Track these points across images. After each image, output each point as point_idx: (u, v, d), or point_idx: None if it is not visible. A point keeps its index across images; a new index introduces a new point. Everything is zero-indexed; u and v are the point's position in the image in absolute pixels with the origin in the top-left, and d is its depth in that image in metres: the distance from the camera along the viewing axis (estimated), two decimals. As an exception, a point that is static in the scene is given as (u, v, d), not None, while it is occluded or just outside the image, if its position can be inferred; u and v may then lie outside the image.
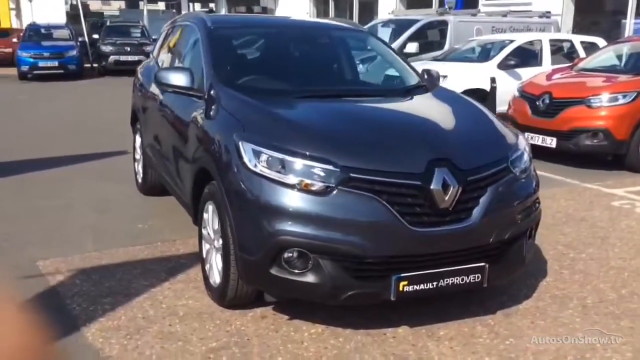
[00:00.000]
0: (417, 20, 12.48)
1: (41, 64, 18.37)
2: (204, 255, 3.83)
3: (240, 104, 3.75)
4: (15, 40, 21.23)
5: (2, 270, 4.19)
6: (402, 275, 3.17)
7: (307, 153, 3.18)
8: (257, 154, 3.22)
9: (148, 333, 3.40)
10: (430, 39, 12.56)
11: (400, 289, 3.17)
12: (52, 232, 5.11)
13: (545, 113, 8.12)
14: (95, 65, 21.03)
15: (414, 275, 3.20)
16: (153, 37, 21.81)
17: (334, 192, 3.10)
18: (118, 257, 4.50)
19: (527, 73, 10.01)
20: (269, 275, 3.18)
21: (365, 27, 14.88)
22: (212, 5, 34.10)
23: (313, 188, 3.11)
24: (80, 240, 4.90)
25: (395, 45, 12.04)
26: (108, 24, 22.99)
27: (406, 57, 11.53)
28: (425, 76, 4.78)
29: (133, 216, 5.52)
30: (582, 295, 4.05)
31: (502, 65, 10.28)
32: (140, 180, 6.11)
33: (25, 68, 18.45)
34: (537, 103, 8.23)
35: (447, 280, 3.27)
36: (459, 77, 10.05)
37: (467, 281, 3.33)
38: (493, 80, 10.12)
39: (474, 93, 9.99)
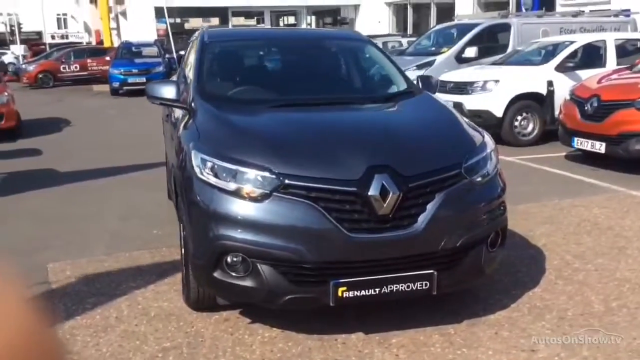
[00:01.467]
0: (477, 24, 12.20)
1: (130, 80, 19.58)
2: (182, 261, 4.02)
3: (207, 115, 3.92)
4: (108, 58, 22.77)
5: (11, 271, 4.59)
6: (341, 281, 3.20)
7: (247, 161, 3.30)
8: (204, 162, 3.38)
9: (114, 332, 3.63)
10: (493, 42, 12.23)
11: (339, 294, 3.20)
12: (73, 236, 5.52)
13: (594, 117, 7.75)
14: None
15: (354, 282, 3.22)
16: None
17: (270, 198, 3.19)
18: (120, 260, 4.80)
19: (589, 75, 9.53)
20: (213, 278, 3.31)
21: (429, 32, 14.79)
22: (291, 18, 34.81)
23: (251, 195, 3.22)
24: (95, 244, 5.26)
25: (453, 50, 11.86)
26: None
27: (465, 62, 11.40)
28: (420, 83, 4.76)
29: (153, 223, 5.83)
30: (564, 307, 3.88)
31: (561, 68, 9.84)
32: (168, 189, 6.45)
33: (116, 84, 19.74)
34: (586, 107, 7.86)
35: (390, 287, 3.26)
36: (512, 81, 9.76)
37: (414, 288, 3.30)
38: (550, 83, 9.74)
39: (528, 97, 9.68)
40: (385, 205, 3.21)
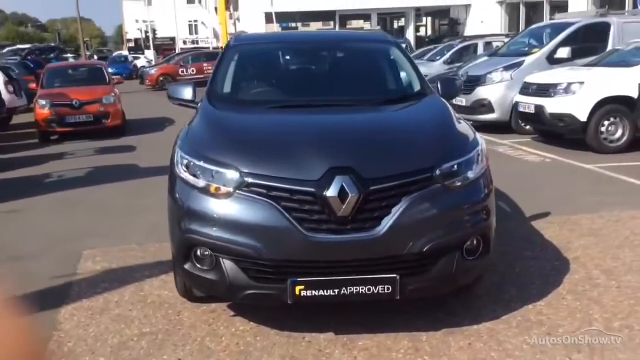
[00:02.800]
0: (572, 24, 11.53)
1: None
2: None
3: (202, 116, 4.10)
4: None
5: (51, 256, 5.06)
6: (299, 279, 3.24)
7: (216, 159, 3.43)
8: (182, 160, 3.56)
9: (108, 315, 3.91)
10: (591, 42, 11.48)
11: (297, 293, 3.24)
12: (120, 226, 5.95)
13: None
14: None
15: (311, 281, 3.25)
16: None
17: (233, 196, 3.31)
18: (147, 250, 5.12)
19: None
20: (184, 269, 3.48)
21: (524, 31, 14.14)
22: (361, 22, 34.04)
23: (217, 192, 3.35)
24: (134, 235, 5.64)
25: (545, 51, 11.30)
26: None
27: (557, 63, 10.82)
28: (439, 85, 4.67)
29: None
30: (558, 324, 3.66)
31: (658, 69, 9.08)
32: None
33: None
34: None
35: (350, 289, 3.26)
36: (598, 83, 9.14)
37: (375, 292, 3.27)
38: (642, 86, 9.01)
39: (617, 101, 9.04)
40: (344, 207, 3.21)
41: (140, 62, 39.54)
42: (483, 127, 11.57)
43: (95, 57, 48.79)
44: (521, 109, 10.18)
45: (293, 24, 38.25)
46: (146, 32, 52.52)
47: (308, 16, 34.13)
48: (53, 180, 8.75)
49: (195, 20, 62.68)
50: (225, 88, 4.60)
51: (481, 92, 11.44)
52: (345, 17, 32.56)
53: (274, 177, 3.29)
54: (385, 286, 3.27)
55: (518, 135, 10.93)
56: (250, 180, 3.30)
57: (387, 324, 3.65)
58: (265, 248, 3.24)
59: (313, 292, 3.26)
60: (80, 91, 13.38)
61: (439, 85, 4.70)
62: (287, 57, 5.16)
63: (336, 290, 3.26)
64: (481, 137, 3.91)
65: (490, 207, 3.64)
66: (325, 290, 3.26)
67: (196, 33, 62.76)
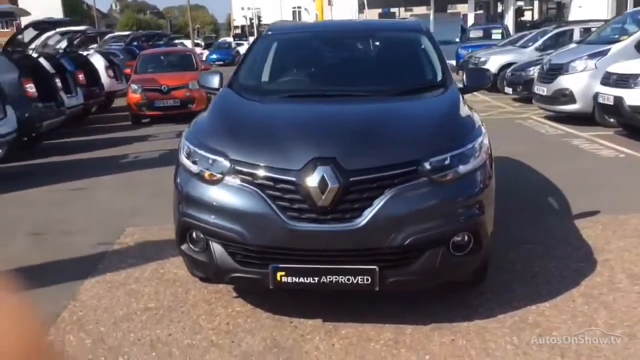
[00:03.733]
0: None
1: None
2: None
3: (214, 103, 4.27)
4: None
5: (97, 231, 5.47)
6: (280, 266, 3.35)
7: (210, 146, 3.59)
8: (185, 146, 3.75)
9: (124, 289, 4.21)
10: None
11: (278, 279, 3.35)
12: (166, 206, 6.28)
13: None
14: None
15: (292, 268, 3.35)
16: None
17: (223, 182, 3.46)
18: (182, 231, 5.39)
19: None
20: (182, 250, 3.69)
21: (617, 17, 13.23)
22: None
23: (209, 178, 3.52)
24: (176, 215, 5.94)
25: (633, 39, 10.58)
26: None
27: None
28: (466, 76, 4.58)
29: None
30: (555, 327, 3.54)
31: None
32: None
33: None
34: None
35: (330, 278, 3.32)
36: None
37: (355, 282, 3.32)
38: None
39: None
40: (324, 197, 3.27)
41: (243, 49, 40.75)
42: (566, 118, 11.07)
43: (202, 43, 50.81)
44: (600, 101, 9.63)
45: (394, 10, 37.90)
46: (251, 19, 53.91)
47: (406, 1, 33.65)
48: (128, 160, 9.34)
49: (299, 7, 63.52)
50: (246, 77, 4.74)
51: (563, 81, 10.91)
52: (443, 1, 31.81)
53: (259, 165, 3.40)
54: (365, 277, 3.31)
55: (602, 128, 10.34)
56: (237, 167, 3.43)
57: (379, 314, 3.69)
58: (250, 234, 3.37)
59: (294, 279, 3.35)
60: (169, 77, 14.05)
61: (464, 76, 4.60)
62: (314, 47, 5.22)
63: (316, 279, 3.34)
64: (484, 131, 3.80)
65: (485, 203, 3.56)
66: (305, 278, 3.35)
67: (300, 19, 63.63)
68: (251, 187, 3.38)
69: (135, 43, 24.27)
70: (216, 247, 3.48)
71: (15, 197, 7.14)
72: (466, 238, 3.48)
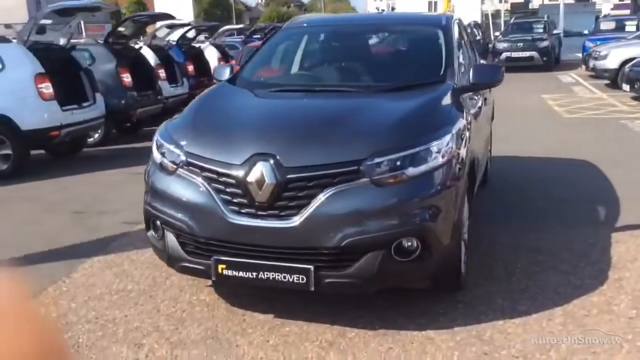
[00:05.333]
0: None
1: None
2: None
3: (202, 96, 4.37)
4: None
5: (127, 214, 5.81)
6: (221, 258, 3.39)
7: (172, 137, 3.70)
8: (156, 138, 3.90)
9: (115, 270, 4.46)
10: None
11: (220, 271, 3.40)
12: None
13: None
14: (493, 61, 21.75)
15: (232, 261, 3.38)
16: (555, 31, 21.24)
17: (176, 173, 3.56)
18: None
19: None
20: (147, 237, 3.85)
21: None
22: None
23: (166, 168, 3.63)
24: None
25: None
26: (512, 20, 23.30)
27: None
28: (472, 72, 4.31)
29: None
30: (509, 345, 3.27)
31: None
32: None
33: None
34: None
35: (267, 274, 3.31)
36: None
37: (290, 281, 3.29)
38: None
39: None
40: (261, 193, 3.27)
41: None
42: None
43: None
44: None
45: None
46: (383, 10, 53.68)
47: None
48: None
49: (435, -2, 62.31)
50: (249, 70, 4.79)
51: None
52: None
53: (207, 158, 3.46)
54: (300, 276, 3.27)
55: None
56: (189, 159, 3.52)
57: (336, 315, 3.61)
58: (196, 225, 3.45)
59: (233, 272, 3.39)
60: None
61: (470, 73, 4.34)
62: (324, 42, 5.16)
63: (254, 274, 3.35)
64: (452, 132, 3.56)
65: (440, 207, 3.36)
66: (244, 273, 3.36)
67: (435, 10, 62.43)
68: (199, 179, 3.45)
69: (256, 35, 25.12)
70: (169, 236, 3.59)
71: (84, 178, 7.77)
72: (414, 243, 3.31)
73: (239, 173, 3.32)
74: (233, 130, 3.62)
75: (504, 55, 20.07)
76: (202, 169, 3.45)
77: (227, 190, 3.37)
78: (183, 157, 3.55)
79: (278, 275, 3.30)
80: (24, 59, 7.98)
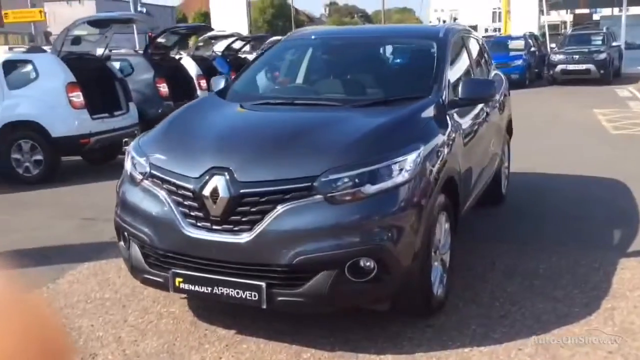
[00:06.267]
0: None
1: (487, 73, 19.70)
2: None
3: (184, 107, 4.38)
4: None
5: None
6: (178, 271, 3.37)
7: (142, 149, 3.71)
8: (129, 149, 3.93)
9: (100, 277, 4.52)
10: None
11: (177, 284, 3.38)
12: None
13: None
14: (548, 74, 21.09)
15: (188, 275, 3.35)
16: (614, 43, 20.40)
17: (141, 184, 3.57)
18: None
19: None
20: (119, 246, 3.87)
21: None
22: None
23: (133, 180, 3.65)
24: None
25: None
26: (570, 32, 22.51)
27: None
28: (461, 87, 4.16)
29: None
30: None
31: None
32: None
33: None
34: None
35: (221, 290, 3.27)
36: None
37: (243, 297, 3.23)
38: None
39: None
40: (215, 207, 3.24)
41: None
42: None
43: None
44: None
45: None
46: (443, 20, 53.07)
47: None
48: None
49: (499, 8, 61.19)
50: (239, 82, 4.77)
51: None
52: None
53: (168, 170, 3.46)
54: (252, 293, 3.21)
55: None
56: (153, 171, 3.52)
57: (299, 334, 3.53)
58: (156, 237, 3.44)
59: (190, 286, 3.36)
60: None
61: (460, 87, 4.18)
62: (318, 55, 5.09)
63: (209, 289, 3.31)
64: (420, 149, 3.41)
65: (401, 227, 3.23)
66: (200, 287, 3.33)
67: (499, 20, 61.26)
68: (161, 191, 3.44)
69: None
70: (134, 248, 3.60)
71: (108, 185, 7.84)
72: (370, 264, 3.19)
73: (196, 186, 3.30)
74: (196, 143, 3.60)
75: (559, 67, 19.40)
76: (164, 181, 3.45)
77: (185, 203, 3.35)
78: (148, 169, 3.56)
79: (232, 291, 3.25)
80: (56, 69, 8.26)
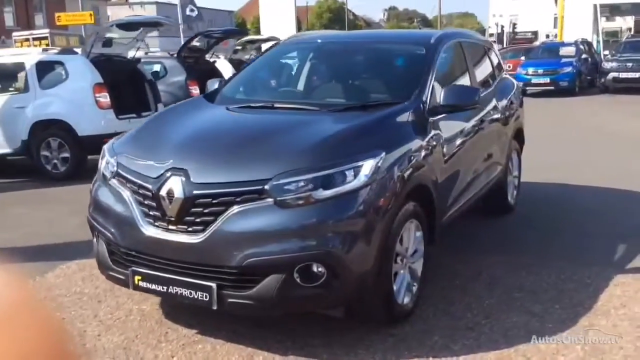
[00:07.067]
0: None
1: (534, 80, 19.19)
2: None
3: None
4: (522, 58, 22.54)
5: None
6: (138, 270, 3.43)
7: (114, 149, 3.80)
8: (104, 149, 4.02)
9: (86, 273, 4.62)
10: None
11: (136, 282, 3.44)
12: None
13: None
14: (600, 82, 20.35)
15: (146, 274, 3.40)
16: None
17: (109, 182, 3.65)
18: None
19: None
20: (93, 243, 3.96)
21: None
22: None
23: (104, 178, 3.73)
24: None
25: None
26: (625, 39, 21.65)
27: None
28: (443, 94, 4.08)
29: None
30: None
31: None
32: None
33: (520, 84, 19.60)
34: None
35: (175, 289, 3.31)
36: None
37: (195, 297, 3.26)
38: None
39: None
40: (170, 207, 3.28)
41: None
42: None
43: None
44: None
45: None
46: (502, 26, 51.93)
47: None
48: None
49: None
50: (229, 85, 4.80)
51: None
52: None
53: (131, 170, 3.53)
54: (204, 294, 3.23)
55: None
56: (119, 170, 3.60)
57: (259, 337, 3.53)
58: (119, 235, 3.51)
59: (147, 284, 3.41)
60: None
61: (442, 94, 4.10)
62: (307, 59, 5.07)
63: (165, 288, 3.35)
64: (380, 156, 3.35)
65: (354, 233, 3.19)
66: (156, 286, 3.38)
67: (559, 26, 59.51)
68: (125, 190, 3.51)
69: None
70: (101, 245, 3.69)
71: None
72: (320, 269, 3.16)
73: (154, 186, 3.35)
74: (162, 144, 3.65)
75: (611, 75, 18.70)
76: (127, 180, 3.52)
77: (145, 202, 3.41)
78: (115, 168, 3.64)
79: (185, 291, 3.28)
80: (85, 70, 8.54)
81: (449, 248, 5.02)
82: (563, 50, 20.41)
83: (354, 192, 3.22)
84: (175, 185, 3.27)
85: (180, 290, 3.29)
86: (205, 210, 3.22)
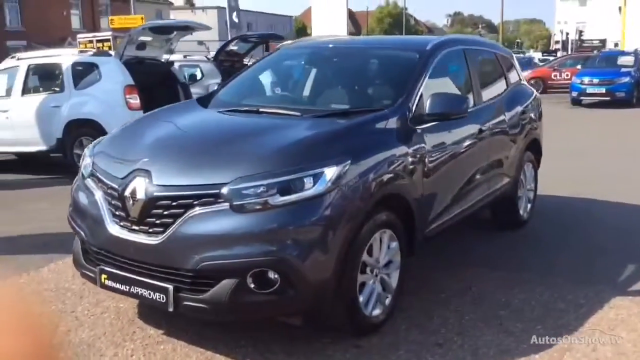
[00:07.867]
0: None
1: (589, 90, 18.51)
2: None
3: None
4: (579, 67, 21.74)
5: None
6: (104, 268, 3.48)
7: (94, 149, 3.88)
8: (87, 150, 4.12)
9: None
10: None
11: (103, 280, 3.49)
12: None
13: None
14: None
15: (111, 272, 3.44)
16: None
17: (84, 182, 3.73)
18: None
19: None
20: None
21: None
22: None
23: (83, 177, 3.82)
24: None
25: None
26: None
27: None
28: (429, 101, 3.98)
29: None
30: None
31: None
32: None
33: (575, 94, 18.96)
34: None
35: (136, 289, 3.34)
36: None
37: (153, 298, 3.28)
38: None
39: None
40: (134, 208, 3.32)
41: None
42: None
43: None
44: None
45: None
46: (567, 33, 50.38)
47: None
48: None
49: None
50: (225, 89, 4.82)
51: None
52: None
53: (102, 170, 3.60)
54: (161, 295, 3.25)
55: None
56: (93, 169, 3.68)
57: (223, 341, 3.53)
58: (90, 233, 3.58)
59: (112, 283, 3.45)
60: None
61: (427, 101, 4.00)
62: (303, 65, 5.04)
63: (127, 287, 3.39)
64: (344, 164, 3.28)
65: (312, 240, 3.14)
66: (120, 285, 3.42)
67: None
68: (98, 190, 3.58)
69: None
70: (75, 243, 3.77)
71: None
72: (274, 276, 3.13)
73: (120, 187, 3.40)
74: (135, 145, 3.71)
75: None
76: (99, 180, 3.59)
77: (112, 202, 3.46)
78: (89, 167, 3.72)
79: (145, 292, 3.31)
80: (117, 72, 8.79)
81: (442, 260, 4.90)
82: (621, 60, 19.60)
83: (313, 199, 3.17)
84: (138, 186, 3.31)
85: (140, 290, 3.33)
86: (165, 212, 3.24)
